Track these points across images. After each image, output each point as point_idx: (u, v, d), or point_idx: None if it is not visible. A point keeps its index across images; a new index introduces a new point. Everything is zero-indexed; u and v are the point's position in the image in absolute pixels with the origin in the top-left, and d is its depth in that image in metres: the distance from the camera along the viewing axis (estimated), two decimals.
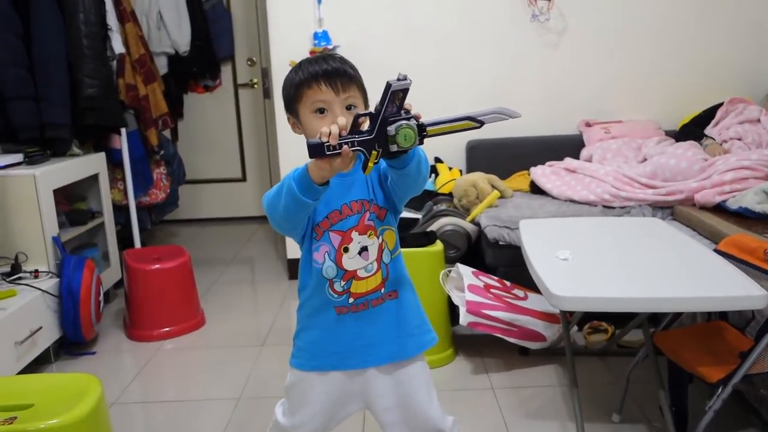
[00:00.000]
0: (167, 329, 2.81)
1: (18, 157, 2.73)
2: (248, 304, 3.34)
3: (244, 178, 4.92)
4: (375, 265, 1.27)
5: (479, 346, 2.54)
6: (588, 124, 3.33)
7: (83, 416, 1.38)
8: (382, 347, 1.30)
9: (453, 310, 2.46)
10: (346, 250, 1.25)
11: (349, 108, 1.22)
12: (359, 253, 1.26)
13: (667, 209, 2.70)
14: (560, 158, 3.18)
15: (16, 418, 1.37)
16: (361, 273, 1.27)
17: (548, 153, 3.24)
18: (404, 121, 1.06)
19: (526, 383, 2.28)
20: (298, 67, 1.25)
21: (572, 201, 2.87)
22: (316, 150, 1.06)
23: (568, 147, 3.25)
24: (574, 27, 3.30)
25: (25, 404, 1.43)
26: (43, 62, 2.83)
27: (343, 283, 1.26)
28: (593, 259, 1.80)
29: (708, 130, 3.07)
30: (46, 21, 2.83)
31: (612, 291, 1.59)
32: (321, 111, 1.21)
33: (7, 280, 2.49)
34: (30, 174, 2.58)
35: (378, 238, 1.27)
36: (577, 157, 3.19)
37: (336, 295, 1.27)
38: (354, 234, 1.25)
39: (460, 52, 3.34)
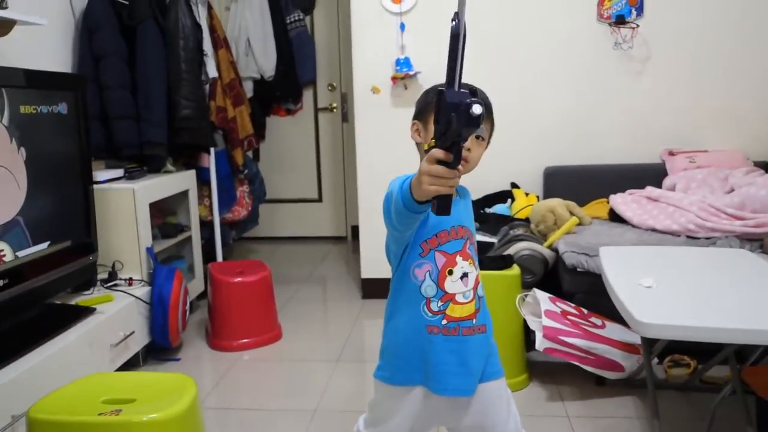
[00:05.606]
0: (246, 340, 2.92)
1: (119, 172, 2.94)
2: (323, 321, 3.42)
3: (320, 199, 5.06)
4: (472, 293, 1.30)
5: (554, 374, 2.51)
6: (671, 153, 3.25)
7: (182, 412, 1.47)
8: (463, 378, 1.30)
9: (527, 336, 2.45)
10: (450, 272, 1.27)
11: (477, 137, 1.28)
12: (461, 278, 1.28)
13: (756, 242, 2.60)
14: (641, 187, 3.11)
15: (121, 410, 1.47)
16: (459, 298, 1.28)
17: (628, 182, 3.18)
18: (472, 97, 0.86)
19: (603, 413, 2.24)
20: None
21: (654, 230, 2.80)
22: (444, 206, 0.97)
23: (650, 176, 3.18)
24: (658, 55, 3.25)
25: (128, 398, 1.53)
26: (145, 84, 3.04)
27: (440, 303, 1.28)
28: (679, 288, 1.76)
29: None
30: (150, 46, 3.05)
31: (700, 320, 1.55)
32: None
33: (105, 286, 2.67)
34: (129, 188, 2.76)
35: (476, 269, 1.31)
36: (658, 186, 3.12)
37: (431, 314, 1.28)
38: (458, 258, 1.28)
39: (542, 79, 3.35)
